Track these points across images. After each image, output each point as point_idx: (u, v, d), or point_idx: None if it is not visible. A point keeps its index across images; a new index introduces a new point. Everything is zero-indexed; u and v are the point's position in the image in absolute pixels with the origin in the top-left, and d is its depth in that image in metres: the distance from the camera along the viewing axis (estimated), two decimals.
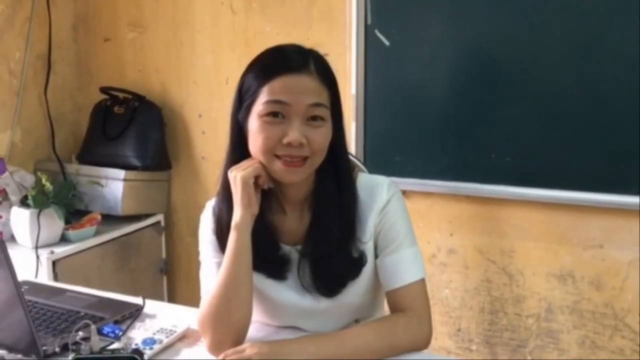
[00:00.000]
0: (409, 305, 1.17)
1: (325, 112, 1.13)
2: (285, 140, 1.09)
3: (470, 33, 2.00)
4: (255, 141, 1.13)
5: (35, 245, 2.05)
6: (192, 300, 1.44)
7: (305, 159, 1.12)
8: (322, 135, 1.12)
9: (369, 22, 2.09)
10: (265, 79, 1.11)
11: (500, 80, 1.98)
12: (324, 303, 1.20)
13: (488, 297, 2.16)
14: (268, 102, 1.10)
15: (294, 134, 1.09)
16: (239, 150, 1.18)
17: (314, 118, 1.11)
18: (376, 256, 1.22)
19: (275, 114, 1.10)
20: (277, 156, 1.11)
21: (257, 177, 1.14)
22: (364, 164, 2.03)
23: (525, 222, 2.06)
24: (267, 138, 1.10)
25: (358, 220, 1.19)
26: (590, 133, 1.89)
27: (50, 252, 2.06)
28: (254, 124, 1.12)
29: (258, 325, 1.27)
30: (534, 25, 1.90)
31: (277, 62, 1.13)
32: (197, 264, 1.29)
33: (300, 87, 1.10)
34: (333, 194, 1.18)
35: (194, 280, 1.31)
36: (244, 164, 1.15)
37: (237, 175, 1.13)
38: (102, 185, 2.35)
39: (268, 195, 1.19)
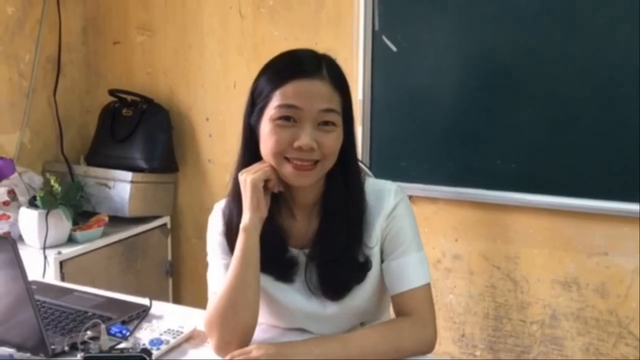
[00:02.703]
0: (414, 309, 1.18)
1: (337, 118, 1.14)
2: (296, 144, 1.10)
3: (477, 39, 2.01)
4: (266, 144, 1.14)
5: (43, 245, 2.07)
6: (197, 302, 1.45)
7: (315, 163, 1.13)
8: (332, 140, 1.13)
9: (377, 27, 2.10)
10: (278, 83, 1.12)
11: (506, 86, 1.99)
12: (330, 306, 1.21)
13: (492, 303, 2.16)
14: (280, 106, 1.11)
15: (305, 139, 1.10)
16: (250, 153, 1.19)
17: (325, 123, 1.12)
18: (382, 260, 1.22)
19: (287, 118, 1.11)
20: (288, 159, 1.12)
21: (267, 181, 1.15)
22: (370, 168, 2.04)
23: (530, 228, 2.06)
24: (278, 141, 1.11)
25: (365, 225, 1.20)
26: (596, 140, 1.89)
27: (57, 252, 2.07)
28: (265, 127, 1.13)
29: (265, 327, 1.28)
30: (540, 32, 1.91)
31: (290, 66, 1.14)
32: (203, 266, 1.30)
33: (313, 92, 1.11)
34: (342, 198, 1.19)
35: (199, 282, 1.32)
36: (255, 167, 1.16)
37: (247, 178, 1.14)
38: (109, 187, 2.37)
39: (278, 198, 1.21)
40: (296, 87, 1.11)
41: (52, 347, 1.16)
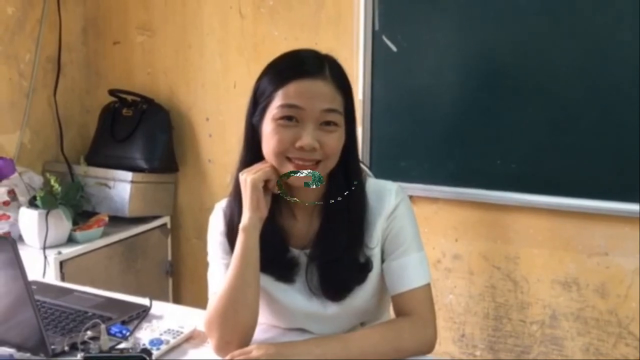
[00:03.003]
0: (415, 309, 1.18)
1: (339, 118, 1.14)
2: (298, 144, 1.11)
3: (477, 40, 2.01)
4: (268, 143, 1.14)
5: (43, 245, 2.07)
6: (197, 302, 1.45)
7: (317, 163, 1.13)
8: (334, 140, 1.13)
9: (377, 27, 2.10)
10: (280, 82, 1.12)
11: (506, 87, 1.99)
12: (330, 307, 1.21)
13: (492, 303, 2.16)
14: (282, 106, 1.11)
15: (306, 138, 1.10)
16: (252, 153, 1.19)
17: (327, 123, 1.12)
18: (383, 260, 1.22)
19: (290, 118, 1.12)
20: (289, 159, 1.13)
21: (267, 181, 1.15)
22: (370, 168, 2.04)
23: (530, 228, 2.06)
24: (280, 141, 1.12)
25: (366, 225, 1.20)
26: (596, 140, 1.89)
27: (57, 252, 2.07)
28: (267, 127, 1.14)
29: (265, 327, 1.28)
30: (540, 32, 1.91)
31: (292, 66, 1.14)
32: (203, 266, 1.30)
33: (315, 92, 1.11)
34: (343, 199, 1.19)
35: (199, 282, 1.32)
36: (255, 167, 1.16)
37: (247, 179, 1.15)
38: (109, 187, 2.37)
39: (278, 198, 1.20)
40: (298, 87, 1.11)
41: (52, 347, 1.16)
